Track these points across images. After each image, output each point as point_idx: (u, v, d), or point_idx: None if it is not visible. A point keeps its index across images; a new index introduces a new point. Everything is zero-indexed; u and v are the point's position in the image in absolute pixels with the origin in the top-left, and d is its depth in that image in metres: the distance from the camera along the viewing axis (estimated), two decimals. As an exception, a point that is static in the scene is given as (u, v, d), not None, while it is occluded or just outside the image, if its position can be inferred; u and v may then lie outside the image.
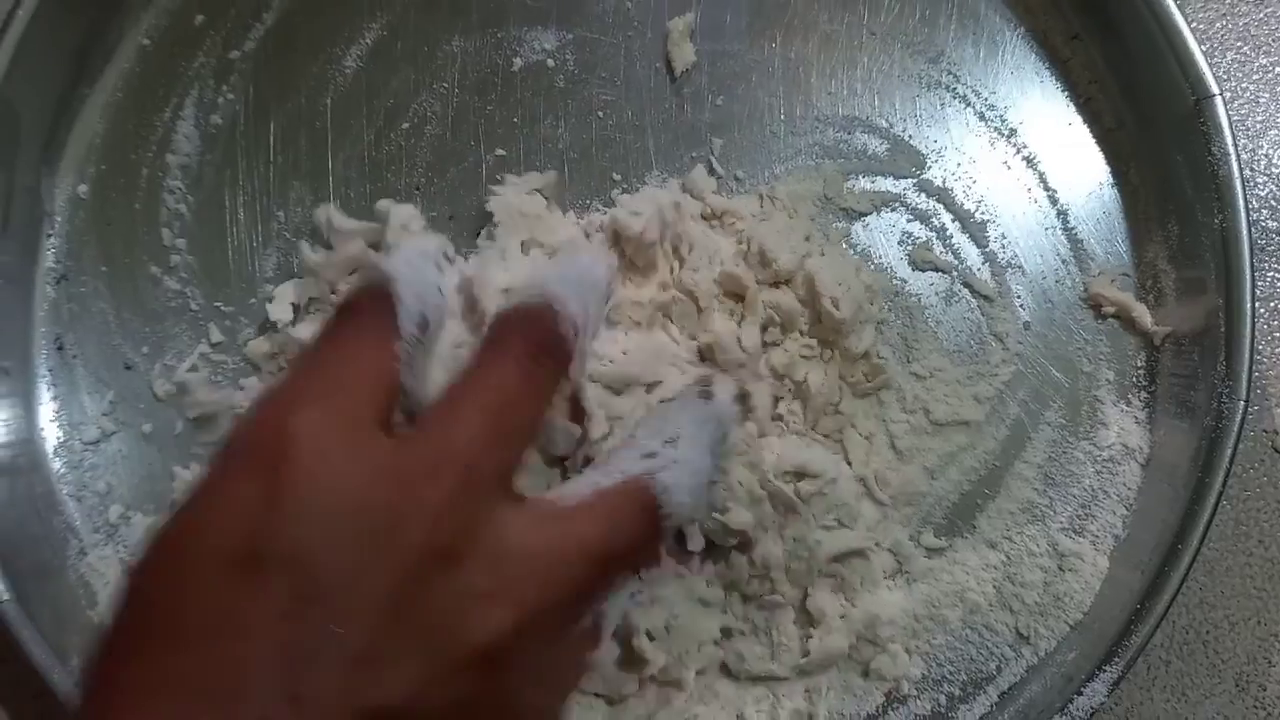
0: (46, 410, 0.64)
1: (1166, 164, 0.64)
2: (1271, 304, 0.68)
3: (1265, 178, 0.70)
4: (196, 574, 0.38)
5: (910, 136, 0.67)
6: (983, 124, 0.67)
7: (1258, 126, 0.71)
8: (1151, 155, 0.65)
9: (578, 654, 0.47)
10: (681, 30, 0.66)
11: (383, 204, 0.63)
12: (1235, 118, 0.66)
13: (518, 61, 0.67)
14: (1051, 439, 0.65)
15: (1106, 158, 0.67)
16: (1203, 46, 0.62)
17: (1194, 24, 0.71)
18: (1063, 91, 0.68)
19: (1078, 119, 0.67)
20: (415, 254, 0.51)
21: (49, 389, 0.64)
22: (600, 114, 0.67)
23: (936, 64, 0.68)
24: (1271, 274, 0.69)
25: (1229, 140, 0.61)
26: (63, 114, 0.65)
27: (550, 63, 0.67)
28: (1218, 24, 0.72)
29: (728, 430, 0.52)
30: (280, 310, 0.63)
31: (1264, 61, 0.71)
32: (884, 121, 0.67)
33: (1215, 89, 0.61)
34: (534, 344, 0.46)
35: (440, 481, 0.41)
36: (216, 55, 0.67)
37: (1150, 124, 0.65)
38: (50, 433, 0.64)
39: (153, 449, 0.64)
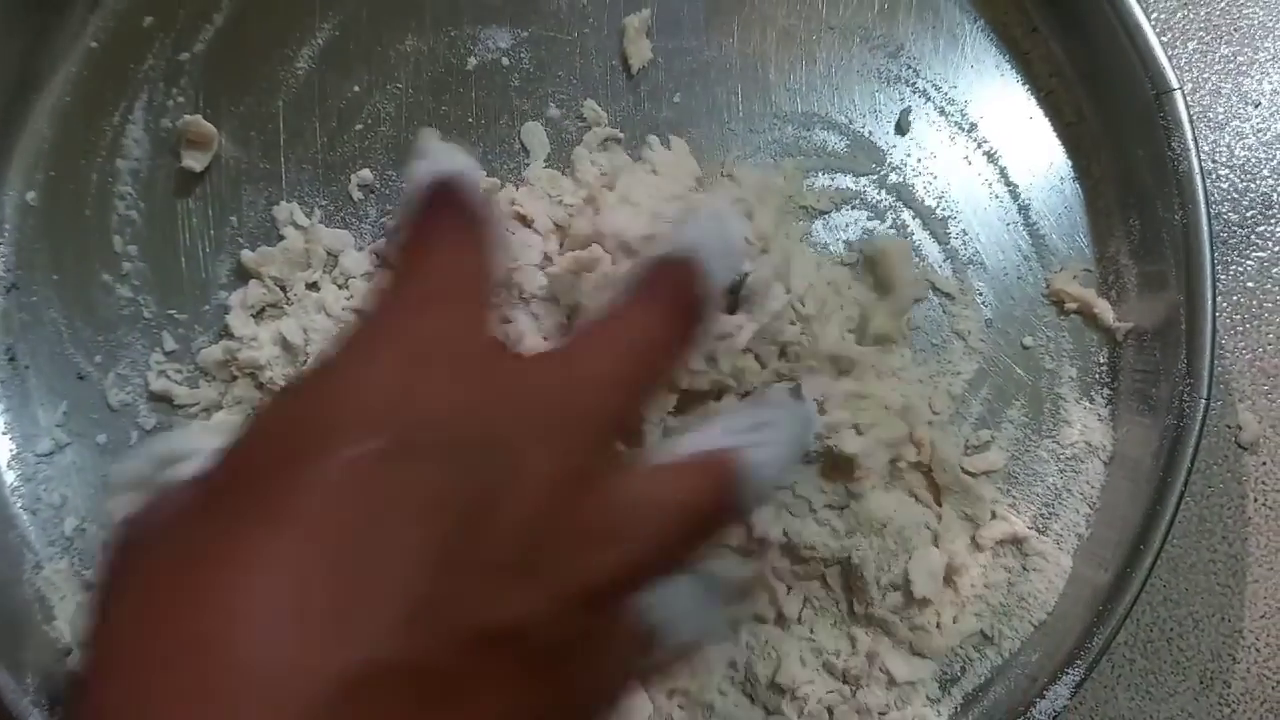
0: (-1, 421, 0.63)
1: (1127, 158, 0.64)
2: (1234, 297, 0.68)
3: (1227, 169, 0.70)
4: (332, 452, 0.34)
5: (870, 133, 0.66)
6: (943, 118, 0.67)
7: (1219, 118, 0.71)
8: (1112, 149, 0.65)
9: (628, 652, 0.44)
10: (637, 27, 0.66)
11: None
12: (1197, 109, 0.65)
13: (472, 60, 0.66)
14: (1014, 437, 0.65)
15: (1068, 151, 0.66)
16: (1164, 37, 0.62)
17: (1155, 15, 0.70)
18: (1023, 85, 0.67)
19: (1039, 112, 0.67)
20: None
21: (0, 401, 0.63)
22: (557, 112, 0.66)
23: (896, 58, 0.67)
24: (1234, 267, 0.68)
25: (1189, 135, 0.60)
26: (9, 120, 0.64)
27: (505, 61, 0.66)
28: (1179, 14, 0.71)
29: (810, 433, 0.51)
30: (240, 322, 0.63)
31: (1225, 51, 0.71)
32: (843, 117, 0.66)
33: (1175, 83, 0.60)
34: (685, 301, 0.44)
35: (591, 412, 0.39)
36: (166, 58, 0.66)
37: (1111, 118, 0.65)
38: (2, 445, 0.63)
39: (107, 460, 0.63)
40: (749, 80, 0.66)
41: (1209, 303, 0.60)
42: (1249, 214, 0.70)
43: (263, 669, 0.30)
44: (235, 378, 0.63)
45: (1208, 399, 0.59)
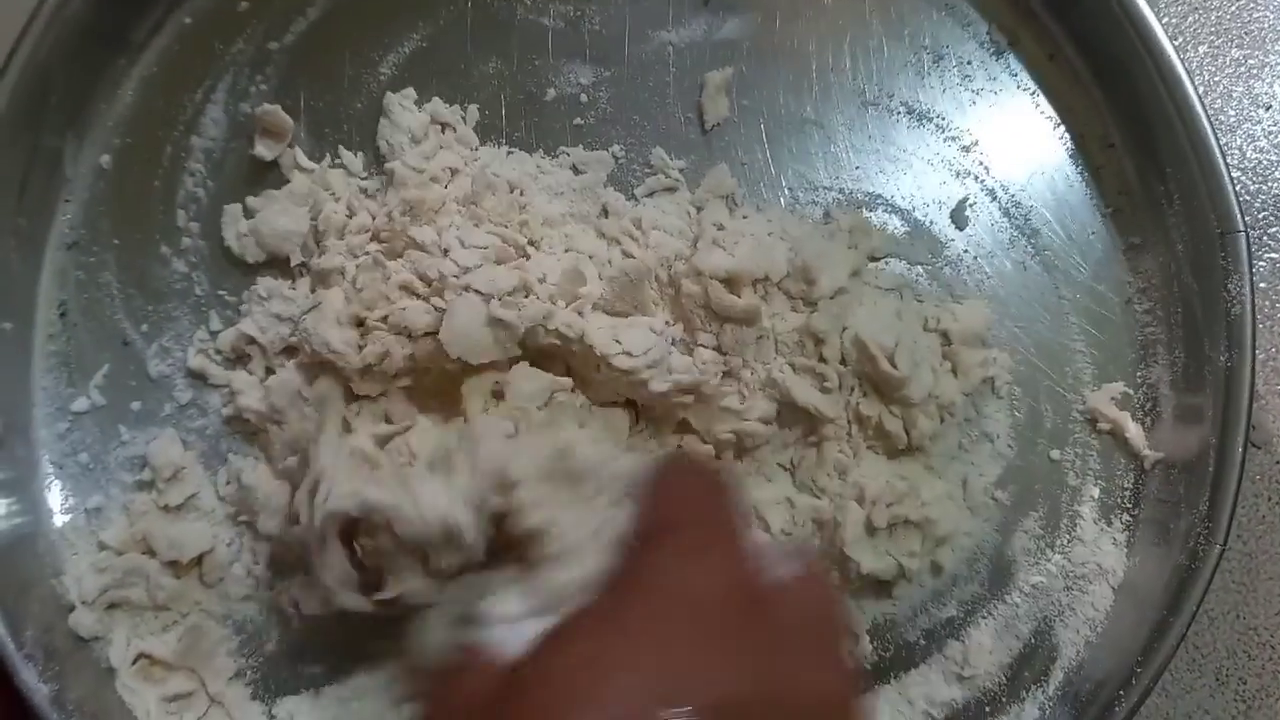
0: (40, 376, 0.64)
1: (1183, 290, 0.64)
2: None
3: (1239, 172, 0.70)
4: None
5: (931, 222, 0.66)
6: (1006, 219, 0.67)
7: (1231, 121, 0.71)
8: (1169, 278, 0.65)
9: None
10: (718, 83, 0.66)
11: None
12: (1209, 111, 0.64)
13: (551, 92, 0.67)
14: (1026, 548, 0.64)
15: (1125, 271, 0.66)
16: (1175, 41, 0.62)
17: (1165, 19, 0.71)
18: (1090, 199, 0.67)
19: (1101, 229, 0.67)
20: None
21: (45, 355, 0.64)
22: (622, 153, 0.67)
23: (968, 152, 0.67)
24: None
25: (1247, 279, 0.60)
26: (99, 82, 0.66)
27: (584, 98, 0.67)
28: (1190, 18, 0.71)
29: None
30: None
31: (1236, 55, 0.71)
32: (906, 204, 0.67)
33: (1241, 225, 0.60)
34: None
35: None
36: (256, 44, 0.67)
37: (1172, 247, 0.64)
38: (40, 398, 0.64)
39: (138, 428, 0.64)
40: (819, 149, 0.67)
41: (1239, 450, 0.59)
42: (1261, 215, 0.70)
43: None
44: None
45: (1223, 546, 0.59)
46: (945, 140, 0.67)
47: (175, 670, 0.62)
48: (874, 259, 0.66)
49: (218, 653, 0.63)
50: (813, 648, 0.44)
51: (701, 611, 0.42)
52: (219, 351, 0.65)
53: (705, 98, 0.66)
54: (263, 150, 0.65)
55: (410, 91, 0.66)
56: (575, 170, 0.66)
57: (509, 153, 0.66)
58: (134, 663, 0.61)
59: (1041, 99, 0.67)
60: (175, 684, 0.62)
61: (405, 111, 0.65)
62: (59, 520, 0.63)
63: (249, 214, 0.65)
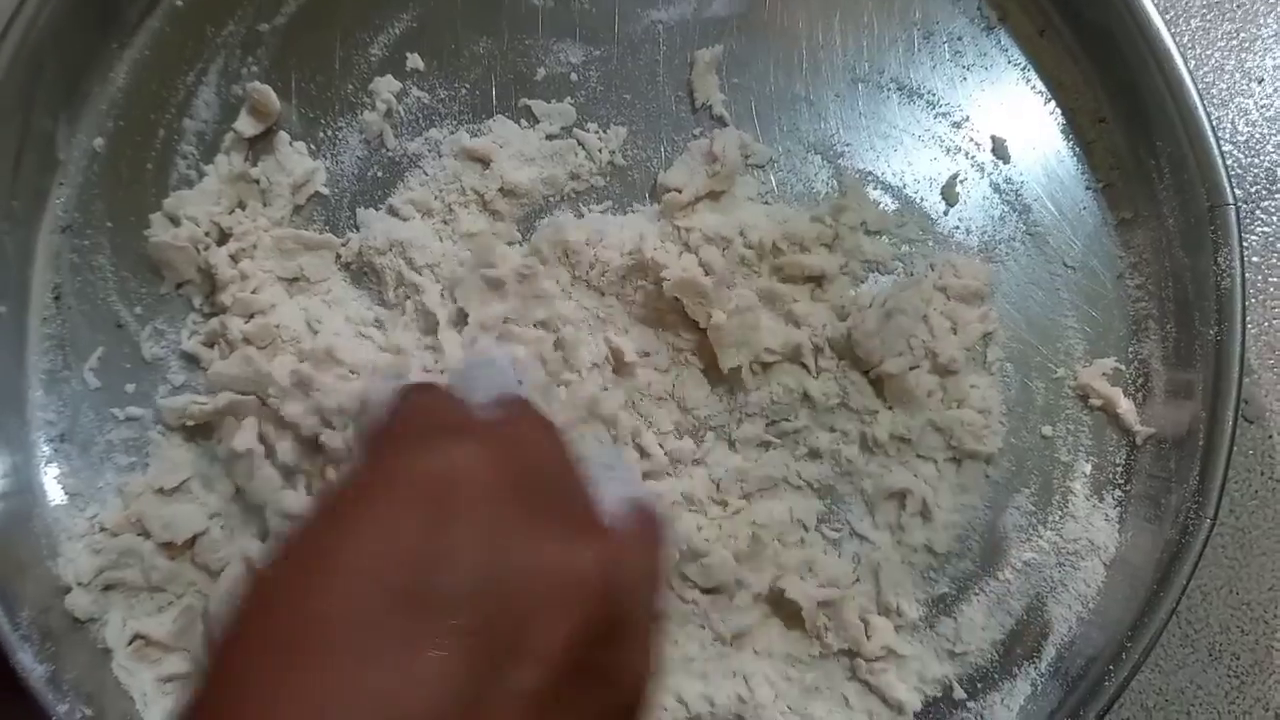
0: (35, 358, 0.65)
1: (1174, 264, 0.64)
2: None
3: (1231, 145, 0.70)
4: (359, 598, 0.37)
5: (921, 199, 0.66)
6: (996, 195, 0.66)
7: (1223, 94, 0.71)
8: (1160, 253, 0.65)
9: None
10: (708, 61, 0.66)
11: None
12: (1201, 86, 0.64)
13: (541, 71, 0.67)
14: (1018, 524, 0.64)
15: (1116, 247, 0.66)
16: (1166, 15, 0.63)
17: None
18: (1082, 175, 0.67)
19: (1093, 204, 0.66)
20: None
21: (40, 337, 0.65)
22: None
23: (959, 129, 0.67)
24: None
25: (1236, 253, 0.60)
26: (91, 65, 0.66)
27: (574, 76, 0.67)
28: None
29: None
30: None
31: (1228, 28, 0.71)
32: (897, 180, 0.66)
33: (1230, 198, 0.60)
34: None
35: None
36: (247, 25, 0.67)
37: (1163, 221, 0.64)
38: (36, 382, 0.64)
39: (133, 409, 0.64)
40: (810, 126, 0.67)
41: (1229, 423, 0.59)
42: (1253, 189, 0.70)
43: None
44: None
45: (1213, 520, 0.59)
46: (936, 116, 0.67)
47: (171, 651, 0.62)
48: (869, 232, 0.66)
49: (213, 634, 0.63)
50: (566, 519, 0.43)
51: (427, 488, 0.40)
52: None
53: (695, 76, 0.66)
54: (244, 126, 0.65)
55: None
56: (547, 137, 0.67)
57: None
58: (130, 643, 0.62)
59: (1032, 74, 0.67)
60: (171, 664, 0.62)
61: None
62: (54, 502, 0.64)
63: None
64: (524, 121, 0.66)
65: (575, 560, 0.40)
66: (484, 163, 0.65)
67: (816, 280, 0.64)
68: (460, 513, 0.39)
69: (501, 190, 0.65)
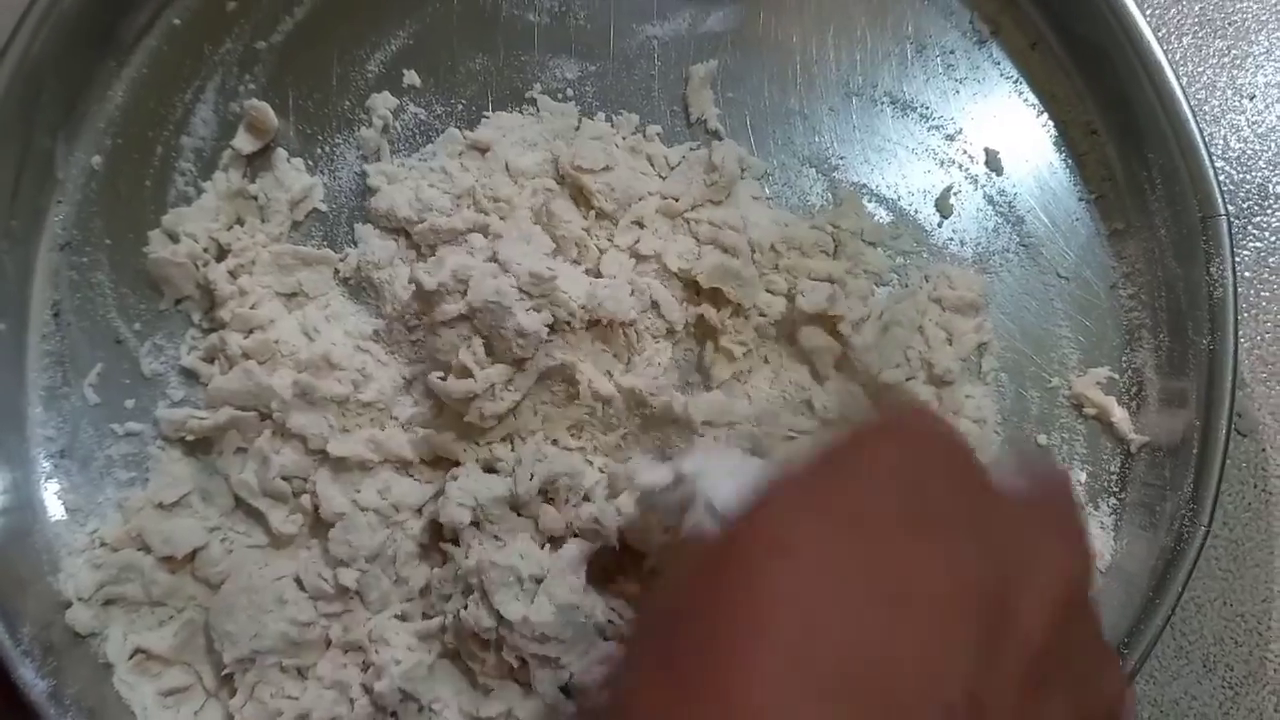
0: (34, 374, 0.65)
1: (1167, 274, 0.64)
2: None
3: (1223, 162, 0.71)
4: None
5: (916, 211, 0.67)
6: (990, 207, 0.67)
7: (1215, 111, 0.71)
8: (1153, 263, 0.65)
9: None
10: (702, 76, 0.66)
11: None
12: (1193, 102, 0.64)
13: (537, 87, 0.67)
14: (1014, 533, 0.65)
15: (1109, 257, 0.67)
16: (1158, 32, 0.63)
17: (1149, 10, 0.71)
18: (1074, 186, 0.67)
19: (1085, 215, 0.67)
20: None
21: (40, 354, 0.65)
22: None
23: (952, 141, 0.67)
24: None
25: (1229, 263, 0.61)
26: (90, 84, 0.66)
27: (569, 92, 0.67)
28: (1173, 9, 0.72)
29: None
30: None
31: (1220, 45, 0.71)
32: (891, 193, 0.67)
33: (1222, 209, 0.61)
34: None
35: None
36: (244, 43, 0.67)
37: (1155, 232, 0.65)
38: (36, 398, 0.64)
39: (133, 425, 0.65)
40: (804, 141, 0.67)
41: (1223, 430, 0.60)
42: (1245, 204, 0.70)
43: None
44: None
45: (1208, 528, 0.59)
46: (929, 129, 0.67)
47: (172, 665, 0.62)
48: (866, 242, 0.66)
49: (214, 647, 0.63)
50: (1051, 524, 0.42)
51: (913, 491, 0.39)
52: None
53: (690, 90, 0.67)
54: (242, 143, 0.66)
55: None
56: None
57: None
58: (131, 658, 0.62)
59: (1024, 87, 0.68)
60: (172, 678, 0.62)
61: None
62: (55, 518, 0.64)
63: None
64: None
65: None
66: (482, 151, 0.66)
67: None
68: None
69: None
